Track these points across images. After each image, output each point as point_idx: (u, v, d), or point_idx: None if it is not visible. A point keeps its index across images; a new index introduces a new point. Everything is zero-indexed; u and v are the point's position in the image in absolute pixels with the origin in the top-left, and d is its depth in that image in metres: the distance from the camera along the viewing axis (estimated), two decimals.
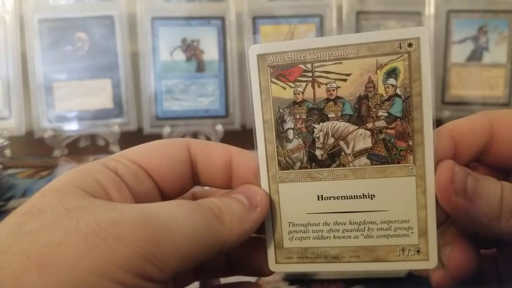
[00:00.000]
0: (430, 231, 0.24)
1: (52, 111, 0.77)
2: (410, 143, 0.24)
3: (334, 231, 0.25)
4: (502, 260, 0.27)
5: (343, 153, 0.24)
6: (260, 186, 0.25)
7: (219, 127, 0.76)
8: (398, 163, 0.24)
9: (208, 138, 0.76)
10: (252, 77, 0.24)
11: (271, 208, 0.25)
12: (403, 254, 0.24)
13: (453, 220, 0.25)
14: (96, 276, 0.17)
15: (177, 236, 0.19)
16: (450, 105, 0.78)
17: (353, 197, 0.24)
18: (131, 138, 0.76)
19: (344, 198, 0.24)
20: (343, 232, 0.24)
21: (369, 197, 0.24)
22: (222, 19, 0.78)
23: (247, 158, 0.25)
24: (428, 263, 0.24)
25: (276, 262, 0.25)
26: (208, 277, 0.29)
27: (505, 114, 0.24)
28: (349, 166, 0.24)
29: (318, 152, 0.25)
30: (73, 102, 0.77)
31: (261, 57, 0.24)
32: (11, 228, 0.18)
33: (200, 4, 0.78)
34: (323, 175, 0.24)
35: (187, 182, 0.25)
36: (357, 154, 0.24)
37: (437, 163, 0.24)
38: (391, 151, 0.24)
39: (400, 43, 0.23)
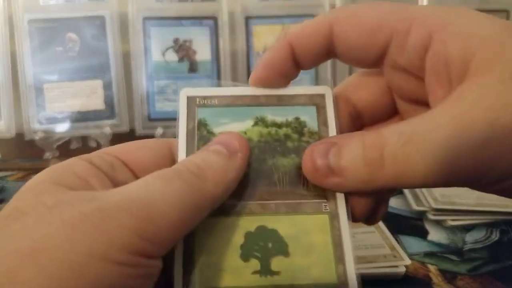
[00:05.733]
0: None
1: (42, 113, 0.76)
2: None
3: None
4: None
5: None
6: None
7: None
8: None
9: None
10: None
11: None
12: None
13: None
14: (92, 257, 0.17)
15: (164, 209, 0.19)
16: None
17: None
18: (123, 140, 0.75)
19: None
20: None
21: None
22: (215, 19, 0.77)
23: None
24: None
25: None
26: None
27: (344, 16, 0.24)
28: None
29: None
30: (64, 104, 0.76)
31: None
32: None
33: (192, 4, 0.78)
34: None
35: None
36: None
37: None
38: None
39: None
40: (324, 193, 0.24)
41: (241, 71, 0.78)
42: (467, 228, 0.51)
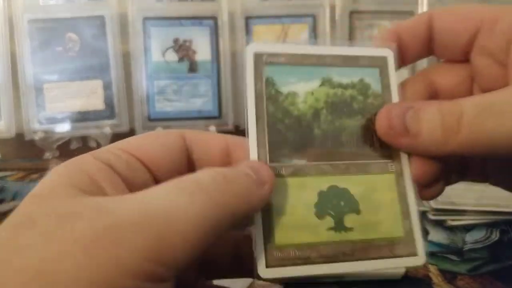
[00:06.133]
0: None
1: (42, 113, 0.76)
2: None
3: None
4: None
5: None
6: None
7: (212, 128, 0.76)
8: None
9: None
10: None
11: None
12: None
13: None
14: (101, 286, 0.16)
15: (182, 226, 0.18)
16: None
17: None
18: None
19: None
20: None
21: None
22: (215, 19, 0.77)
23: (244, 142, 0.25)
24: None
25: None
26: (212, 277, 0.28)
27: (444, 8, 0.28)
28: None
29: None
30: (64, 104, 0.76)
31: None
32: (4, 242, 0.17)
33: (192, 4, 0.78)
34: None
35: (183, 171, 0.24)
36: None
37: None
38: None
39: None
40: (389, 153, 0.25)
41: (241, 71, 0.78)
42: (467, 228, 0.51)
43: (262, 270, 0.23)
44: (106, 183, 0.20)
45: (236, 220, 0.20)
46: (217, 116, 0.77)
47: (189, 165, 0.25)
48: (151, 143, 0.24)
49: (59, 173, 0.20)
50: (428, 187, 0.26)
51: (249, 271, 0.24)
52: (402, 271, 0.39)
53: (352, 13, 0.78)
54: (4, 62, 0.75)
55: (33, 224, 0.18)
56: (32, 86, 0.75)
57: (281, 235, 0.24)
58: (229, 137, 0.25)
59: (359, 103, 0.26)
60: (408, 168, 0.25)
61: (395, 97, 0.26)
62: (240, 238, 0.26)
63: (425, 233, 0.50)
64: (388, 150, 0.25)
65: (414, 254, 0.24)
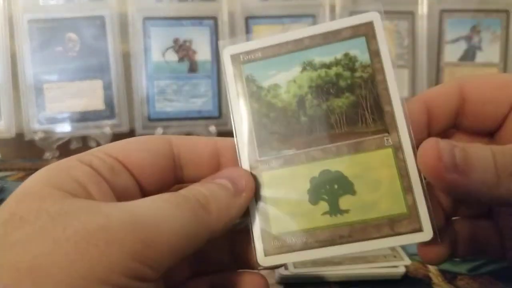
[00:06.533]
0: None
1: (42, 113, 0.76)
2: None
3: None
4: (505, 229, 0.26)
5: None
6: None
7: (212, 128, 0.76)
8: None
9: None
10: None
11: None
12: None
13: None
14: (92, 281, 0.17)
15: (167, 235, 0.19)
16: None
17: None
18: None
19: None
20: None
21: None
22: (215, 19, 0.77)
23: (233, 143, 0.25)
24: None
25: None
26: (208, 273, 0.28)
27: (475, 77, 0.25)
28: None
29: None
30: (64, 104, 0.76)
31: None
32: None
33: (192, 4, 0.78)
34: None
35: (168, 177, 0.25)
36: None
37: (412, 130, 0.24)
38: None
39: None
40: (384, 126, 0.24)
41: None
42: None
43: (261, 259, 0.24)
44: (92, 186, 0.21)
45: (217, 231, 0.22)
46: (217, 116, 0.77)
47: (177, 171, 0.25)
48: (135, 148, 0.24)
49: (43, 175, 0.21)
50: (433, 245, 0.24)
51: (244, 265, 0.26)
52: (402, 270, 0.39)
53: (352, 13, 0.78)
54: (4, 62, 0.75)
55: (24, 222, 0.18)
56: (32, 86, 0.75)
57: (277, 224, 0.24)
58: (219, 140, 0.25)
59: (346, 80, 0.25)
60: (408, 139, 0.24)
61: (387, 64, 0.24)
62: (235, 233, 0.26)
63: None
64: (382, 124, 0.24)
65: (419, 229, 0.23)
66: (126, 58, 0.77)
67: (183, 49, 0.77)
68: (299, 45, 0.25)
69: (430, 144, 0.22)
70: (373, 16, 0.25)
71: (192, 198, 0.22)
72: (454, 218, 0.26)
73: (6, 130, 0.76)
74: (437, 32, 0.78)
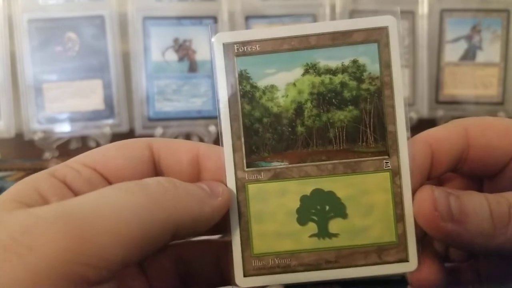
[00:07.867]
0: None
1: (42, 113, 0.75)
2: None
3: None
4: (485, 271, 0.26)
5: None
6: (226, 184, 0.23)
7: (212, 128, 0.76)
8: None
9: (201, 139, 0.76)
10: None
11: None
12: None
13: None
14: None
15: (111, 223, 0.17)
16: (444, 105, 0.78)
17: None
18: (122, 140, 0.75)
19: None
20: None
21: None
22: (215, 18, 0.77)
23: (216, 152, 0.23)
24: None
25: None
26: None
27: (480, 120, 0.24)
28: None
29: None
30: (64, 104, 0.76)
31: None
32: None
33: (192, 4, 0.78)
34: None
35: None
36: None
37: (414, 170, 0.23)
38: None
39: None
40: (385, 148, 0.23)
41: None
42: None
43: (240, 279, 0.23)
44: (54, 198, 0.20)
45: (184, 227, 0.20)
46: (217, 116, 0.77)
47: (158, 175, 0.24)
48: (113, 155, 0.23)
49: (15, 188, 0.20)
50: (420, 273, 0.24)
51: (231, 281, 0.24)
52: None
53: (352, 13, 0.78)
54: (3, 62, 0.75)
55: None
56: (32, 86, 0.75)
57: (260, 243, 0.23)
58: (202, 145, 0.24)
59: (351, 91, 0.23)
60: (407, 164, 0.22)
61: (397, 78, 0.23)
62: (221, 246, 0.25)
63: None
64: (384, 145, 0.22)
65: (405, 259, 0.23)
66: (126, 58, 0.77)
67: (183, 49, 0.77)
68: (304, 43, 0.22)
69: (425, 191, 0.22)
70: (389, 21, 0.23)
71: (152, 183, 0.20)
72: None
73: (5, 130, 0.75)
74: (437, 32, 0.78)
